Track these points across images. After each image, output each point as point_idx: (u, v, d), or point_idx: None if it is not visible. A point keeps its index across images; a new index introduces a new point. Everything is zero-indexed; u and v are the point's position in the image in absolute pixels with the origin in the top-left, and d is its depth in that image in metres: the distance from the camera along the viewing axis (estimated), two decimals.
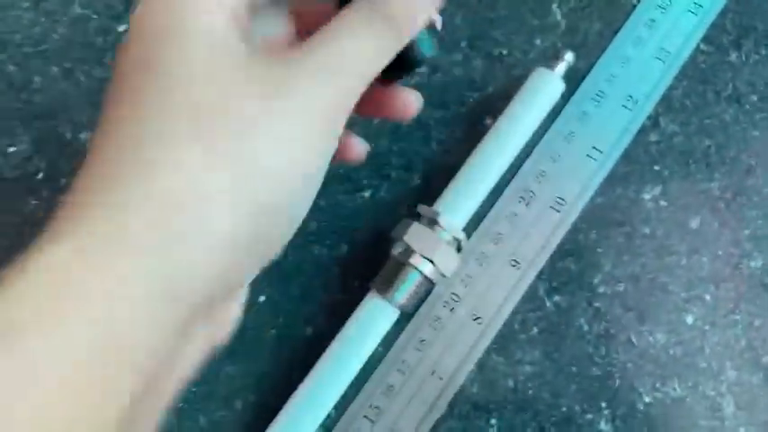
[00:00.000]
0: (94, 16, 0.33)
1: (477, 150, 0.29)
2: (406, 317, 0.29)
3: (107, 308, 0.13)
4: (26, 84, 0.32)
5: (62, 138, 0.32)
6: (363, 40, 0.17)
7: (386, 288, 0.28)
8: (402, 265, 0.27)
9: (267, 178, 0.15)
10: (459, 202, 0.29)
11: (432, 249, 0.27)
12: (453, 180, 0.29)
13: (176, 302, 0.14)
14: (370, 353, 0.28)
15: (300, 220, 0.17)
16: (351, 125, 0.18)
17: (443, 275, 0.28)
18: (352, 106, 0.17)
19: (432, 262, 0.27)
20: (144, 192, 0.14)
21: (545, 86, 0.30)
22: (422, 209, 0.29)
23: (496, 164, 0.29)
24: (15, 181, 0.31)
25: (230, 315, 0.19)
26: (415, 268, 0.27)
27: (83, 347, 0.13)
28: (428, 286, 0.28)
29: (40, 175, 0.31)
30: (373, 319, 0.28)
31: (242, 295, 0.20)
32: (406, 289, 0.27)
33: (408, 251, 0.27)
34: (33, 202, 0.31)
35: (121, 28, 0.33)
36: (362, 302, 0.28)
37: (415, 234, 0.27)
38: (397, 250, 0.28)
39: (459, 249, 0.29)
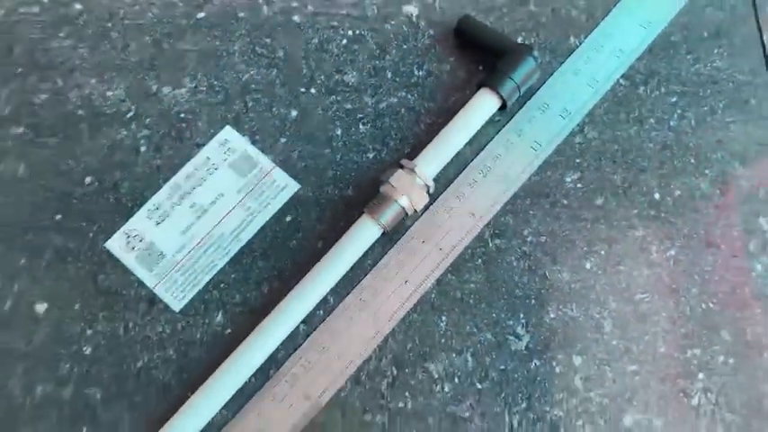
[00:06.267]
0: (180, 4, 0.46)
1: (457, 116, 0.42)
2: (385, 239, 0.41)
3: None
4: (124, 47, 0.45)
5: (149, 89, 0.44)
6: None
7: (375, 212, 0.39)
8: (387, 198, 0.39)
9: None
10: (432, 159, 0.41)
11: (409, 189, 0.39)
12: (432, 141, 0.41)
13: None
14: (358, 257, 0.40)
15: None
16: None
17: (415, 210, 0.40)
18: None
19: (408, 198, 0.39)
20: None
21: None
22: (404, 161, 0.40)
23: (468, 128, 0.42)
24: (111, 116, 0.44)
25: None
26: (396, 201, 0.39)
27: None
28: (403, 215, 0.40)
29: (130, 114, 0.44)
30: (363, 233, 0.40)
31: None
32: (389, 214, 0.39)
33: (393, 189, 0.39)
34: (123, 132, 0.43)
35: (200, 15, 0.46)
36: (356, 222, 0.40)
37: (398, 177, 0.39)
38: (384, 187, 0.40)
39: (428, 192, 0.41)
